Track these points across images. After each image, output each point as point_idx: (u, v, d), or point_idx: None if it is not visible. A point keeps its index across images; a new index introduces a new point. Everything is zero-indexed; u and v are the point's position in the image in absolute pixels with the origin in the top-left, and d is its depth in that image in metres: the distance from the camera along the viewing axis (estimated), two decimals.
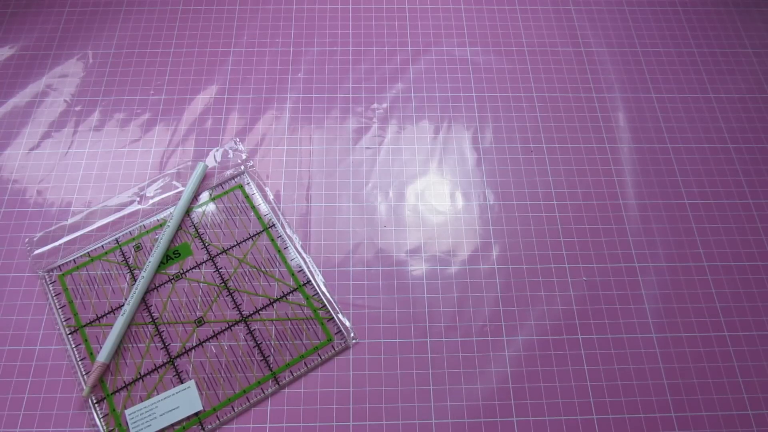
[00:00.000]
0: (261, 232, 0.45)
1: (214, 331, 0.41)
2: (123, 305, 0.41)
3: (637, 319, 0.43)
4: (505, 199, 0.47)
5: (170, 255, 0.44)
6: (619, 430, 0.39)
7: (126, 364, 0.40)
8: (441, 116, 0.51)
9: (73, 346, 0.40)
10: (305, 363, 0.40)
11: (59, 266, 0.43)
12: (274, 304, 0.42)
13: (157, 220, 0.45)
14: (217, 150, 0.49)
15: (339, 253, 0.45)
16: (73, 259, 0.43)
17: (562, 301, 0.43)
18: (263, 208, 0.46)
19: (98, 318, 0.41)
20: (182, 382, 0.39)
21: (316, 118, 0.51)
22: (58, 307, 0.42)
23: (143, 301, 0.42)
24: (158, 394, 0.39)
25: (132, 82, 0.52)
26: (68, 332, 0.41)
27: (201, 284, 0.43)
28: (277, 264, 0.44)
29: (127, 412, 0.38)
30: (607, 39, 0.56)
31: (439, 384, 0.40)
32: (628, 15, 0.58)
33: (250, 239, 0.45)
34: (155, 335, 0.41)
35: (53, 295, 0.42)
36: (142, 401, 0.39)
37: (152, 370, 0.40)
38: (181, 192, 0.46)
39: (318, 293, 0.43)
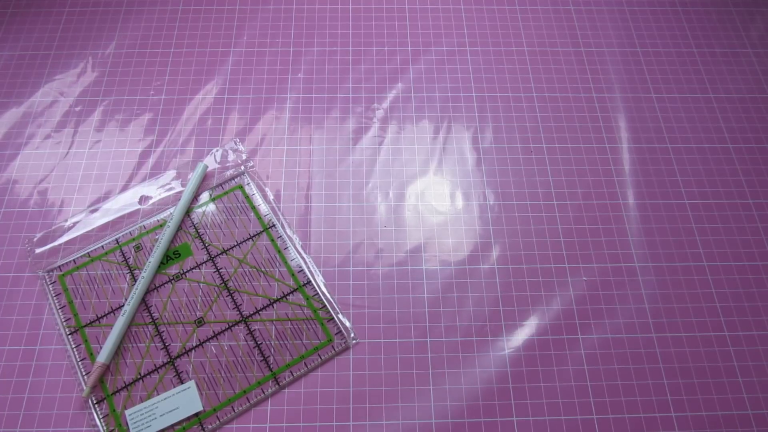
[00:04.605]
0: (261, 232, 0.45)
1: (214, 332, 0.41)
2: (123, 305, 0.41)
3: (637, 319, 0.43)
4: (505, 199, 0.47)
5: (170, 255, 0.44)
6: (619, 430, 0.39)
7: (126, 364, 0.40)
8: (441, 116, 0.51)
9: (73, 346, 0.40)
10: (305, 363, 0.40)
11: (59, 266, 0.43)
12: (274, 305, 0.42)
13: (157, 221, 0.45)
14: (217, 150, 0.49)
15: (339, 253, 0.45)
16: (73, 260, 0.43)
17: (562, 301, 0.43)
18: (263, 208, 0.46)
19: (98, 318, 0.41)
20: (182, 383, 0.39)
21: (316, 118, 0.51)
22: (58, 307, 0.42)
23: (143, 302, 0.42)
24: (158, 394, 0.39)
25: (132, 82, 0.52)
26: (68, 332, 0.41)
27: (201, 284, 0.43)
28: (277, 264, 0.44)
29: (127, 412, 0.38)
30: (607, 39, 0.56)
31: (439, 384, 0.40)
32: (628, 15, 0.58)
33: (250, 239, 0.45)
34: (155, 335, 0.41)
35: (53, 295, 0.42)
36: (142, 402, 0.39)
37: (152, 371, 0.40)
38: (181, 192, 0.46)
39: (318, 293, 0.43)
